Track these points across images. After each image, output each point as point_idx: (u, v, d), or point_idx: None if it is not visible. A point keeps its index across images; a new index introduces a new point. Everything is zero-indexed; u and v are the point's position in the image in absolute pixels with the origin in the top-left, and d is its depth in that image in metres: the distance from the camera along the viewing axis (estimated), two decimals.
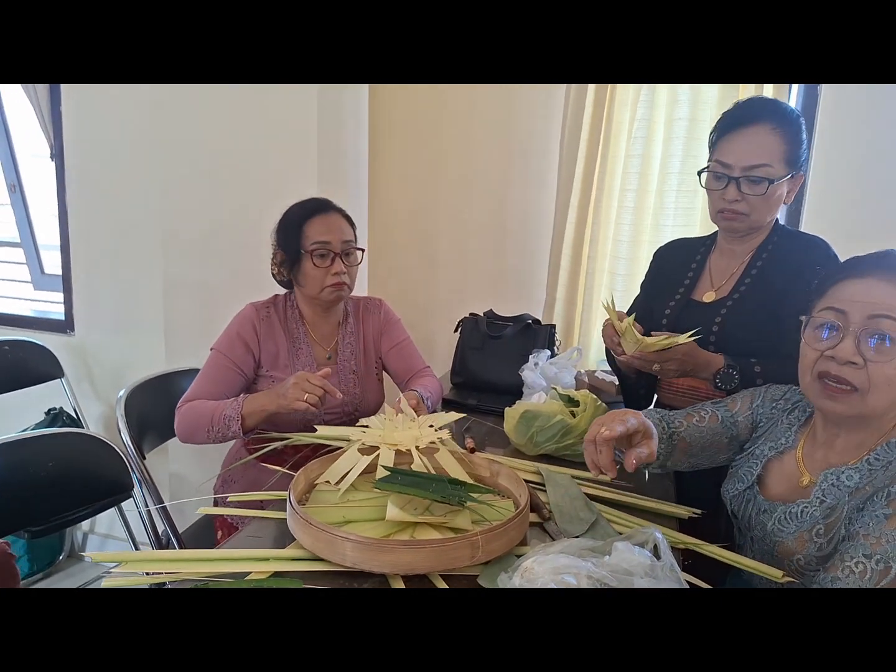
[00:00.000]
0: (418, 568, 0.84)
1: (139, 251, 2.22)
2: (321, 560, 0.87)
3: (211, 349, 1.44)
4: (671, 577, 0.84)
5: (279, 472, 1.14)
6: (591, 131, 1.94)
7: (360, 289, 2.14)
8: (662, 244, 1.51)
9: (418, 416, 1.26)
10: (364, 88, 2.11)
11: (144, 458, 1.54)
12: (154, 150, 2.06)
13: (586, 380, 1.69)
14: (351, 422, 1.50)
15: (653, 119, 1.89)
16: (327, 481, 1.05)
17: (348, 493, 1.03)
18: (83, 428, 2.19)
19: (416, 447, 1.13)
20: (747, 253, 1.31)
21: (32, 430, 2.18)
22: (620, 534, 0.97)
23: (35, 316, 2.54)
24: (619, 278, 2.02)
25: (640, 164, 1.92)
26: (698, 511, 1.11)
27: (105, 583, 0.79)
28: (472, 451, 1.28)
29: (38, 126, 2.30)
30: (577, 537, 0.96)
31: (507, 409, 1.40)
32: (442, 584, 0.85)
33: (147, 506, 1.38)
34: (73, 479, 1.28)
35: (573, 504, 1.08)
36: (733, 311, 1.27)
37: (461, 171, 2.23)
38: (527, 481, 1.15)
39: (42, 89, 2.24)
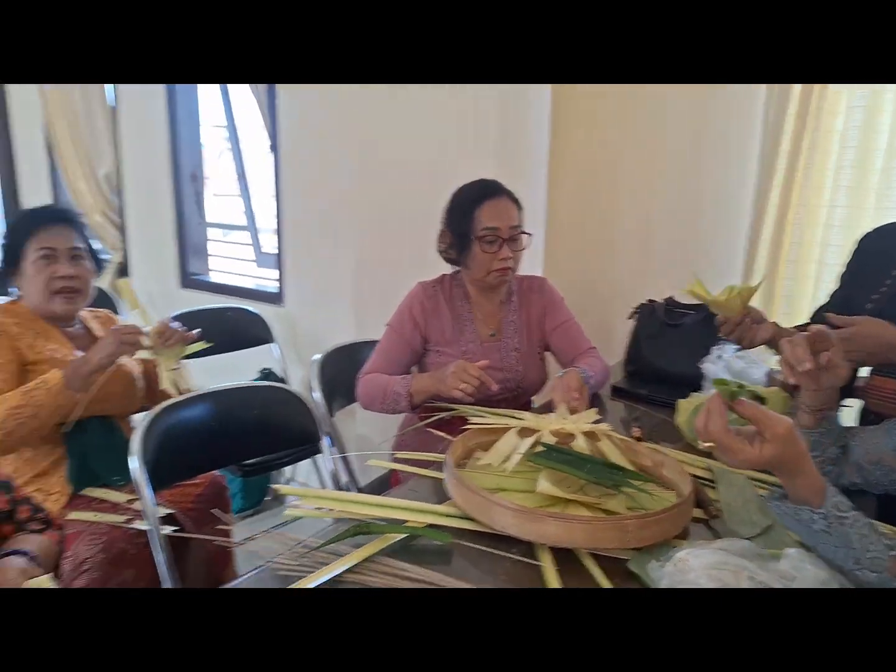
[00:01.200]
0: (564, 541, 0.85)
1: (337, 233, 2.44)
2: (472, 520, 0.91)
3: (386, 325, 1.55)
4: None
5: (445, 438, 1.20)
6: (800, 101, 1.74)
7: (535, 271, 2.16)
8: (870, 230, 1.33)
9: (580, 394, 1.25)
10: (546, 88, 2.11)
11: (333, 416, 1.71)
12: (351, 144, 2.26)
13: (780, 377, 1.53)
14: (514, 398, 1.54)
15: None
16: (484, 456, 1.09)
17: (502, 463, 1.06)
18: (288, 385, 2.48)
19: (581, 431, 1.12)
20: None
21: None
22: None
23: (254, 289, 2.91)
24: (827, 269, 1.80)
25: (858, 136, 1.68)
26: None
27: (287, 511, 0.91)
28: (639, 439, 1.24)
29: (261, 122, 2.63)
30: (747, 540, 0.89)
31: (680, 400, 1.33)
32: (589, 562, 0.84)
33: (332, 457, 1.53)
34: (273, 426, 1.46)
35: (746, 506, 1.00)
36: None
37: (647, 154, 2.14)
38: (696, 477, 1.10)
39: (262, 89, 2.54)
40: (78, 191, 3.29)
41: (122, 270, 3.31)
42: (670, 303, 1.73)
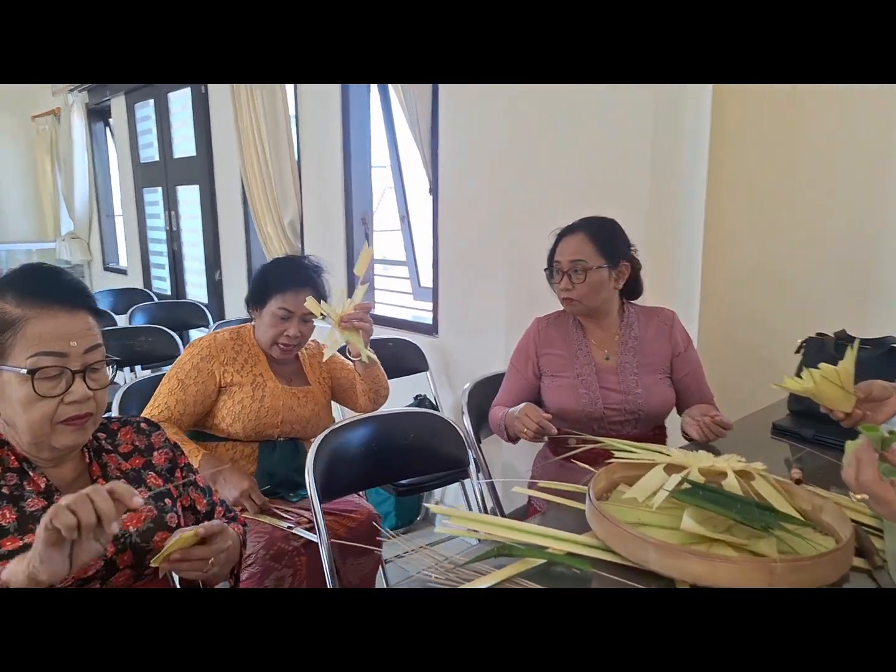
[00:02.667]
0: (706, 580, 0.83)
1: (488, 267, 2.55)
2: (611, 552, 0.93)
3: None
4: None
5: (585, 469, 1.22)
6: None
7: (692, 298, 2.11)
8: None
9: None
10: (707, 88, 2.06)
11: (480, 443, 1.79)
12: (499, 180, 2.39)
13: None
14: (634, 420, 1.57)
15: None
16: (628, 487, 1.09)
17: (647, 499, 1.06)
18: (440, 411, 2.62)
19: (732, 469, 1.09)
20: None
21: None
22: None
23: (412, 320, 3.11)
24: None
25: None
26: None
27: (438, 529, 0.99)
28: (798, 482, 1.17)
29: (421, 164, 2.83)
30: None
31: (848, 442, 1.23)
32: None
33: (479, 482, 1.60)
34: (425, 450, 1.57)
35: None
36: None
37: (819, 168, 2.00)
38: (860, 524, 1.02)
39: (426, 134, 2.74)
40: (267, 235, 3.74)
41: None
42: (842, 336, 1.60)
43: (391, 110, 3.24)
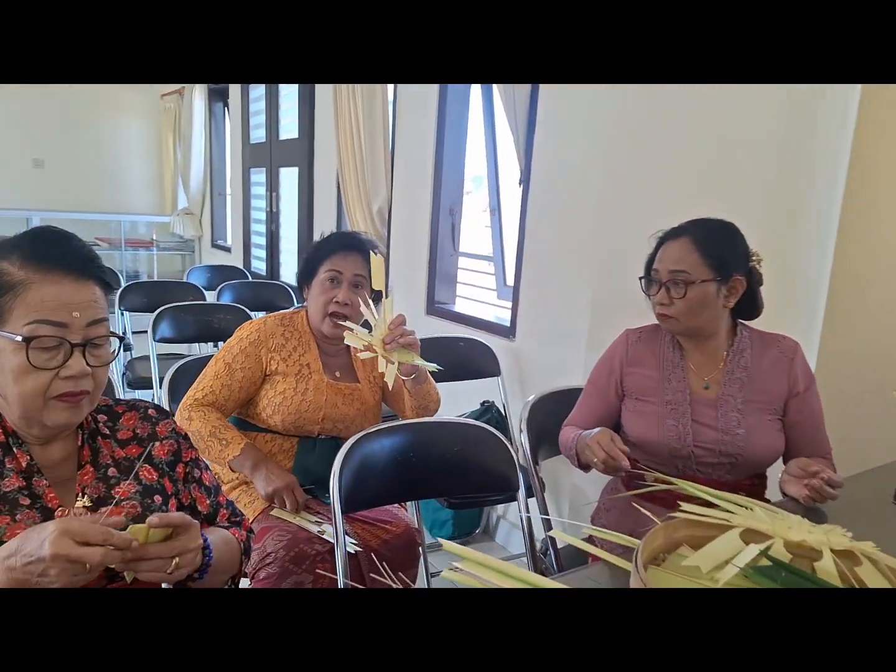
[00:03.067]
0: None
1: (575, 269, 2.34)
2: None
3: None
4: None
5: (650, 518, 1.02)
6: None
7: (813, 325, 1.81)
8: None
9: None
10: (855, 89, 1.76)
11: (537, 464, 1.61)
12: (597, 177, 2.17)
13: None
14: (730, 465, 1.30)
15: None
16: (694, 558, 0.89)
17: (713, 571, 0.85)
18: (507, 422, 2.44)
19: (830, 548, 0.85)
20: None
21: (466, 416, 2.54)
22: None
23: (491, 321, 2.94)
24: None
25: None
26: None
27: (444, 574, 0.83)
28: None
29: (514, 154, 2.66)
30: None
31: None
32: None
33: (528, 510, 1.42)
34: (470, 466, 1.41)
35: None
36: None
37: None
38: None
39: (522, 118, 2.56)
40: (355, 221, 3.71)
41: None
42: None
43: (491, 96, 3.09)
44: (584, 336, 2.28)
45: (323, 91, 4.02)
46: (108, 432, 0.95)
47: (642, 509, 1.07)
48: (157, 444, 0.97)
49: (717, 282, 1.32)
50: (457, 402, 2.56)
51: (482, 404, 2.55)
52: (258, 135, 5.05)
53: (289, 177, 4.65)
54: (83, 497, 0.87)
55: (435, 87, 3.06)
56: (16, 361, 0.81)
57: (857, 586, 0.78)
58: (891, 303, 1.83)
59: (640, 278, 1.43)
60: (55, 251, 0.84)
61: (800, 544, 0.83)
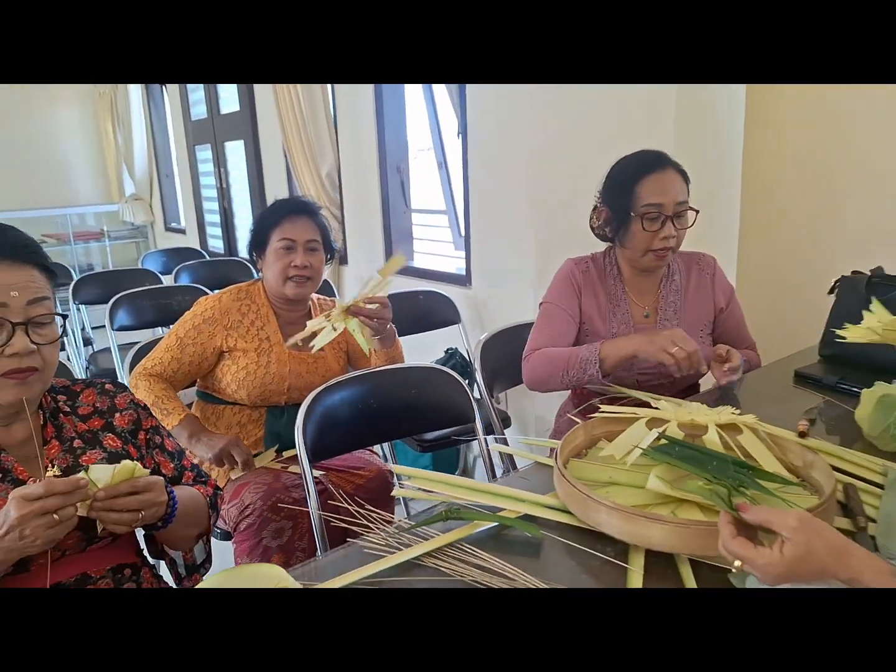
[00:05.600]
0: (657, 545, 0.79)
1: (518, 214, 2.46)
2: (570, 514, 0.89)
3: (541, 304, 1.52)
4: None
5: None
6: None
7: (730, 238, 1.96)
8: None
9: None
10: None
11: (493, 397, 1.75)
12: (526, 129, 2.28)
13: None
14: (670, 384, 1.44)
15: None
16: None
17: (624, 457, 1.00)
18: (472, 367, 2.58)
19: (715, 423, 1.01)
20: None
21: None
22: None
23: (445, 271, 3.06)
24: None
25: None
26: None
27: (395, 492, 0.98)
28: (802, 434, 1.08)
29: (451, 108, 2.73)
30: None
31: (864, 390, 1.12)
32: (687, 569, 0.78)
33: (486, 442, 1.55)
34: (429, 406, 1.53)
35: None
36: None
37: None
38: (866, 481, 0.94)
39: (454, 86, 2.62)
40: (305, 187, 3.74)
41: (342, 258, 3.71)
42: (877, 274, 1.44)
43: None
44: (533, 275, 2.41)
45: None
46: (68, 409, 1.02)
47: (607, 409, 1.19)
48: (118, 414, 1.05)
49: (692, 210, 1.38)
50: (422, 352, 2.69)
51: (446, 352, 2.69)
52: (199, 111, 4.99)
53: (235, 150, 4.63)
54: (53, 468, 0.92)
55: None
56: None
57: (738, 452, 0.94)
58: (797, 214, 1.98)
59: (635, 216, 1.35)
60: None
61: (691, 423, 0.99)
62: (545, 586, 0.75)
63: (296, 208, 1.65)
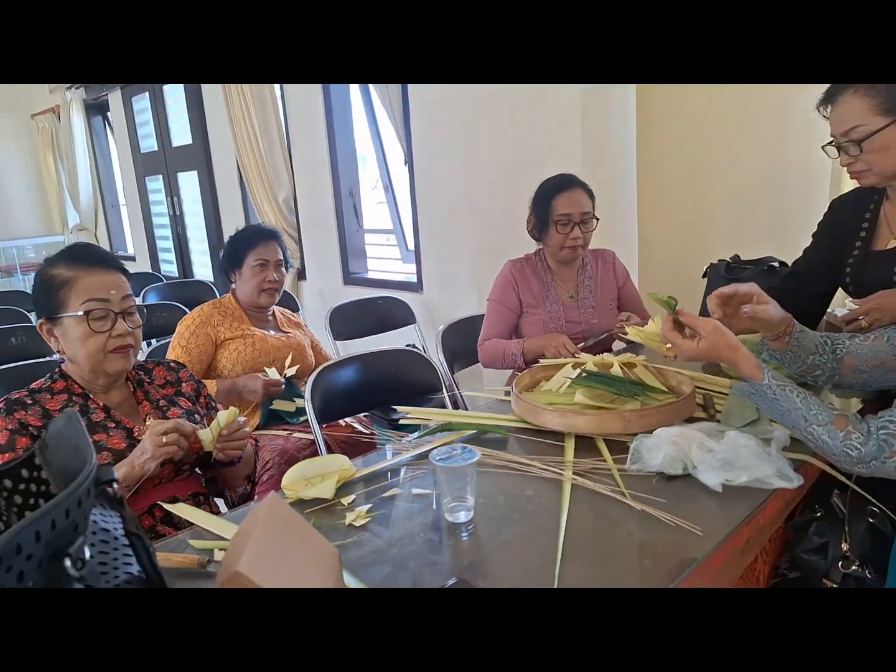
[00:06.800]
0: (581, 429, 1.21)
1: (459, 229, 2.91)
2: (525, 422, 1.31)
3: (488, 300, 1.98)
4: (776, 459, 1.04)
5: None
6: None
7: (631, 235, 2.46)
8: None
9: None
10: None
11: (454, 372, 2.16)
12: (464, 156, 2.75)
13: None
14: (592, 345, 1.90)
15: None
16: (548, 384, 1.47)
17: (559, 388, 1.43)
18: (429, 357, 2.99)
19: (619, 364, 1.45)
20: None
21: None
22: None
23: (401, 280, 3.47)
24: None
25: None
26: None
27: (403, 420, 1.37)
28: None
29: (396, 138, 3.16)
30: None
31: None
32: (602, 445, 1.20)
33: (449, 402, 1.97)
34: (406, 379, 1.94)
35: (743, 409, 1.28)
36: None
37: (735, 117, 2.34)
38: (717, 392, 1.39)
39: (398, 112, 3.05)
40: (263, 212, 4.08)
41: (301, 274, 4.06)
42: (734, 260, 1.94)
43: (369, 91, 3.53)
44: (472, 278, 2.86)
45: (211, 96, 4.29)
46: (148, 381, 1.38)
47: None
48: (183, 384, 1.42)
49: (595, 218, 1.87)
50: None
51: (406, 347, 3.07)
52: (148, 144, 5.22)
53: (188, 180, 4.89)
54: (150, 420, 1.28)
55: (319, 84, 3.47)
56: (80, 330, 1.19)
57: (632, 377, 1.38)
58: (683, 212, 2.52)
59: (552, 223, 1.81)
60: (87, 254, 1.24)
61: (602, 362, 1.44)
62: (515, 462, 1.15)
63: (267, 234, 2.09)
